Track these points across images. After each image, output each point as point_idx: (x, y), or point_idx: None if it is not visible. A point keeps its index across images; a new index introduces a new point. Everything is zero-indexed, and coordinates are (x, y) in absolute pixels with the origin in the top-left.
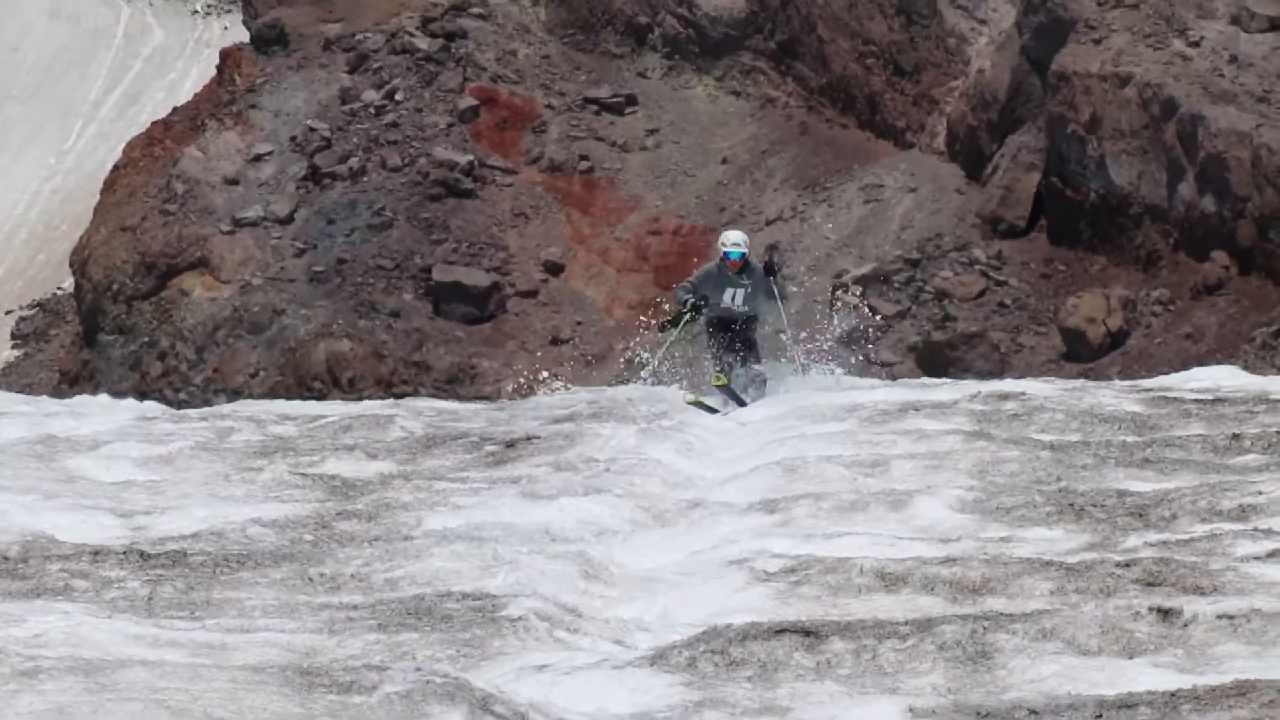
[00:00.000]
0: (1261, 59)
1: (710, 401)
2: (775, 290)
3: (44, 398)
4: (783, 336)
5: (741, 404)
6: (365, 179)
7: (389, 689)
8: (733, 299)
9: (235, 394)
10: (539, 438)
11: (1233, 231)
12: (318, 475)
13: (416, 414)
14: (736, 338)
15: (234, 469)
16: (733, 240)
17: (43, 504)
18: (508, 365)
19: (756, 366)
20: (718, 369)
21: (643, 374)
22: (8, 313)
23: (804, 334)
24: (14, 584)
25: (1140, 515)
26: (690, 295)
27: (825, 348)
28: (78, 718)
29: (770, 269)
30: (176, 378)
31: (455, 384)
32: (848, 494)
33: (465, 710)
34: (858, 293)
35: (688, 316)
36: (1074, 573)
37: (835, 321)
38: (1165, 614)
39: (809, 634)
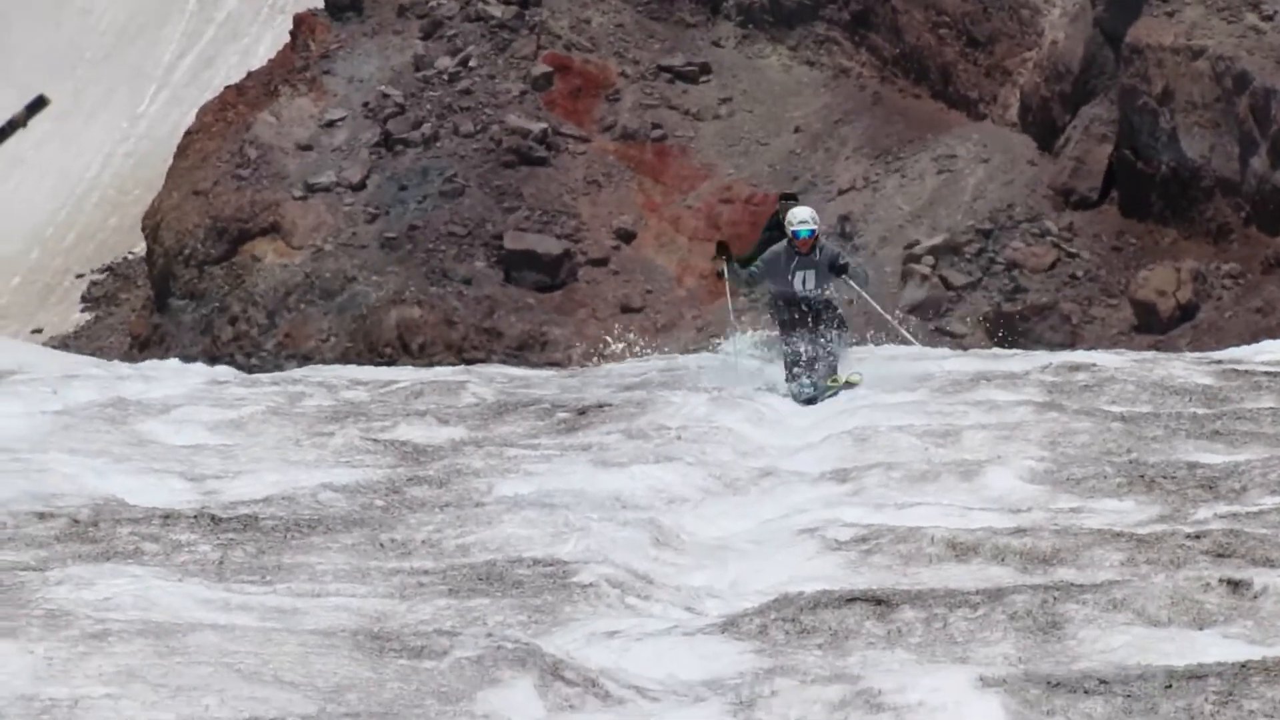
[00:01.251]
0: None
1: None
2: (850, 277)
3: (115, 361)
4: (892, 320)
5: (811, 400)
6: (438, 145)
7: (460, 654)
8: (804, 283)
9: (306, 359)
10: (610, 405)
11: None
12: (389, 441)
13: (488, 380)
14: (811, 323)
15: (305, 434)
16: (800, 218)
17: (113, 467)
18: (578, 333)
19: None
20: (801, 376)
21: (722, 350)
22: (79, 276)
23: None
24: (84, 547)
25: (1210, 487)
26: (754, 273)
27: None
28: (147, 680)
29: (839, 268)
30: (247, 342)
31: (526, 351)
32: (919, 464)
33: (536, 675)
34: (930, 263)
35: (739, 273)
36: (1144, 544)
37: (907, 291)
38: (1235, 585)
39: (880, 603)
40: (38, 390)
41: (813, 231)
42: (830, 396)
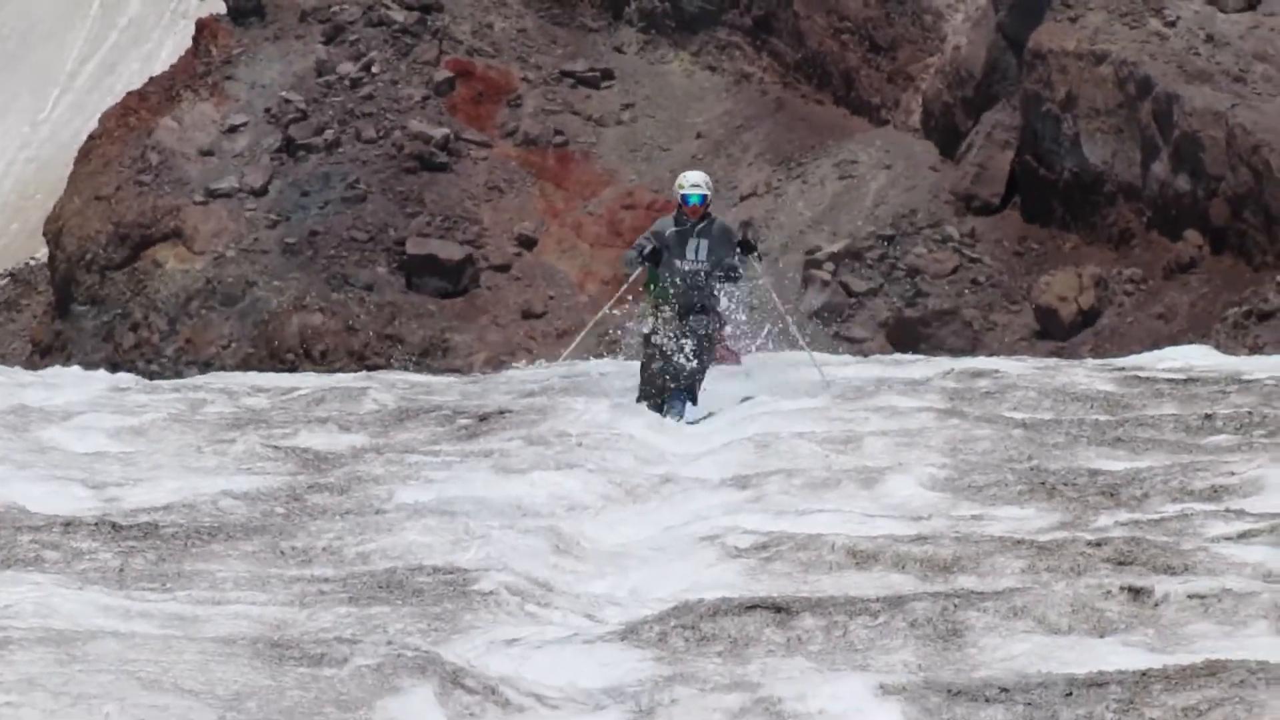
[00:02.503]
0: (1238, 38)
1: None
2: (745, 260)
3: (16, 368)
4: (791, 327)
5: (693, 400)
6: (340, 151)
7: (360, 662)
8: (695, 251)
9: (207, 366)
10: (511, 411)
11: (1206, 211)
12: (290, 448)
13: (389, 387)
14: (695, 304)
15: (206, 441)
16: (692, 181)
17: (14, 474)
18: (480, 339)
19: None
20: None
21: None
22: None
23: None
24: None
25: (1112, 494)
26: (646, 245)
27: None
28: (48, 688)
29: (747, 245)
30: (149, 349)
31: (428, 357)
32: (819, 471)
33: (436, 683)
34: (831, 269)
35: (640, 268)
36: (1045, 551)
37: (808, 297)
38: (1136, 593)
39: (780, 610)
40: None
41: (704, 197)
42: (676, 417)
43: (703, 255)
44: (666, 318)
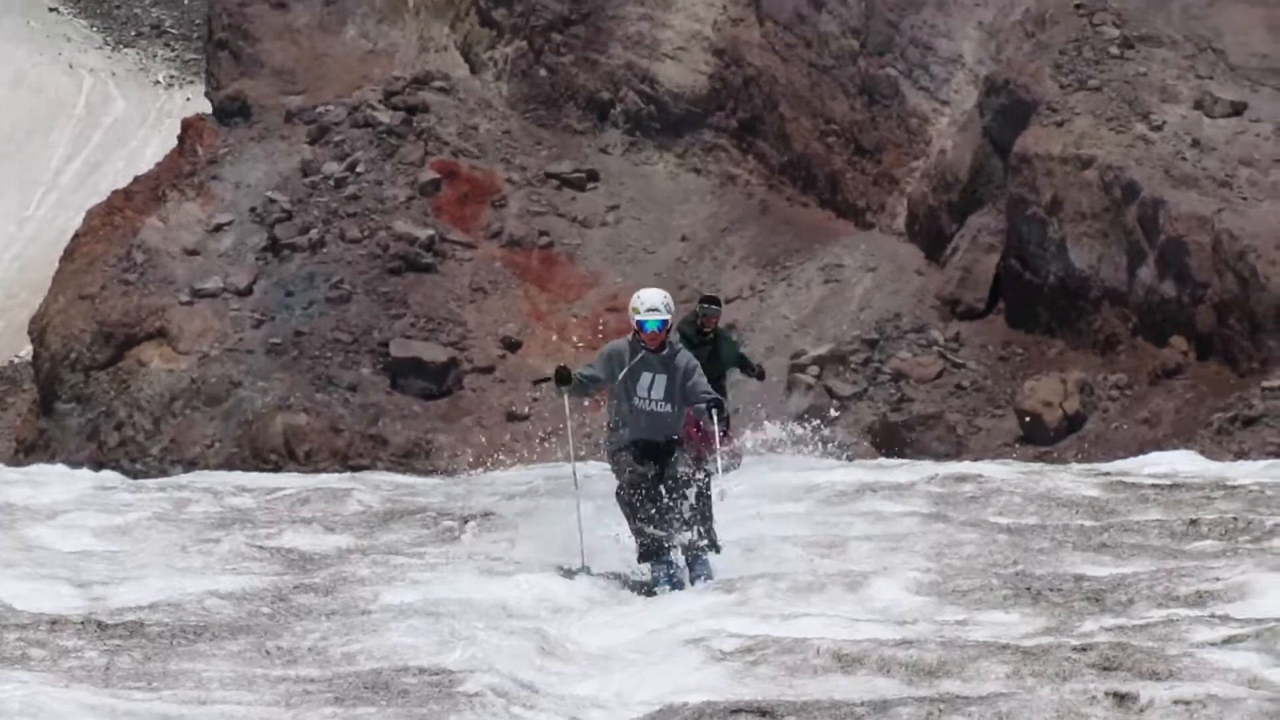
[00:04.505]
0: (1224, 144)
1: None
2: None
3: (1, 466)
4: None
5: (679, 584)
6: (325, 251)
7: None
8: (649, 389)
9: (191, 465)
10: (496, 514)
11: (1192, 317)
12: (275, 548)
13: (374, 488)
14: (660, 460)
15: (191, 540)
16: (649, 304)
17: (0, 573)
18: (464, 441)
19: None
20: (647, 531)
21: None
22: None
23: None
24: None
25: (1097, 600)
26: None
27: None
28: None
29: (690, 393)
30: (133, 448)
31: (412, 459)
32: (805, 574)
33: None
34: (815, 373)
35: (566, 373)
36: (1030, 656)
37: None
38: (1121, 699)
39: (765, 714)
40: None
41: (664, 323)
42: (704, 580)
43: (658, 394)
44: (629, 464)
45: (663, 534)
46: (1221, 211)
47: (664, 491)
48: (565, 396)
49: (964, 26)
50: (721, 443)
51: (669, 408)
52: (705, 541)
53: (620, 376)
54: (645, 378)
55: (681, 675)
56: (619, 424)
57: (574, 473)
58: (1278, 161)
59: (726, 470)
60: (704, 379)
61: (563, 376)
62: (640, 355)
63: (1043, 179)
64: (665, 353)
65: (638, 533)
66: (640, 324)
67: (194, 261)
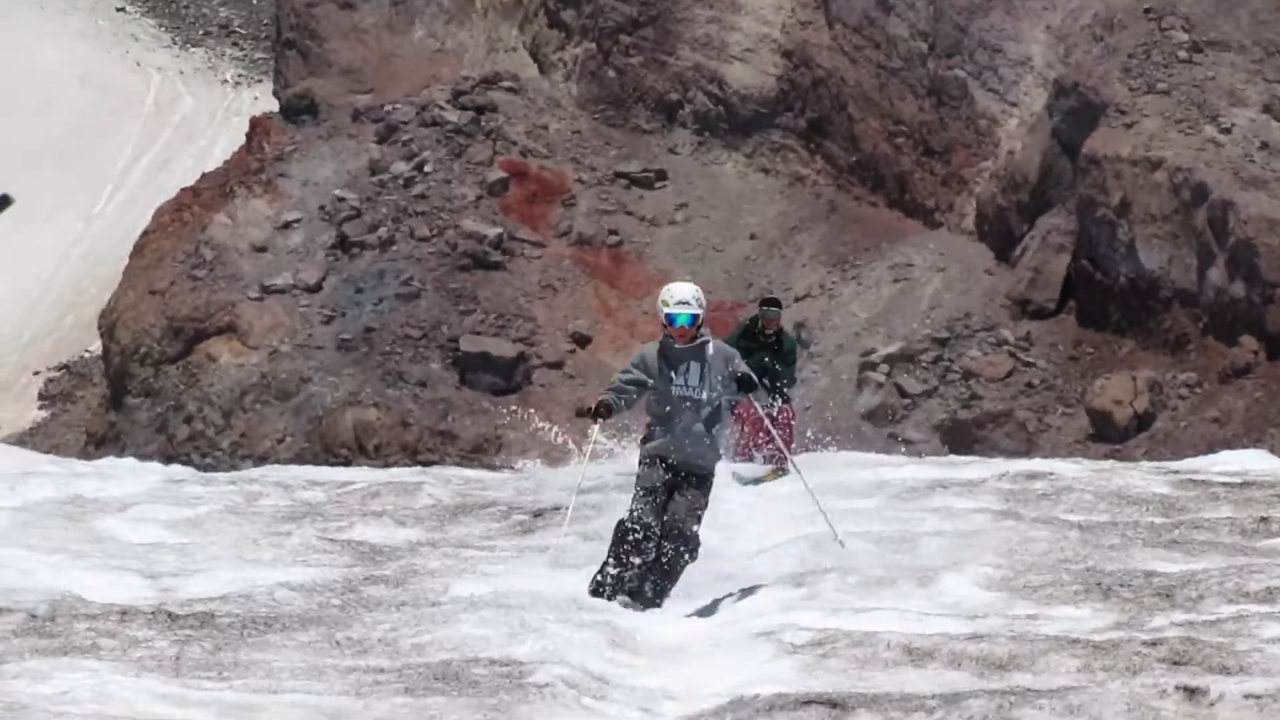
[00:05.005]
0: None
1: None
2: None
3: (71, 459)
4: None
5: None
6: (394, 249)
7: None
8: (685, 377)
9: (261, 460)
10: (566, 508)
11: (1261, 317)
12: (345, 541)
13: (445, 482)
14: (690, 444)
15: (262, 533)
16: (679, 297)
17: (71, 563)
18: (533, 436)
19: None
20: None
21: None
22: (35, 374)
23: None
24: (42, 642)
25: (1167, 596)
26: (617, 390)
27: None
28: None
29: (746, 382)
30: (203, 442)
31: (480, 454)
32: (875, 569)
33: None
34: (885, 371)
35: (607, 408)
36: (1100, 650)
37: (862, 398)
38: (1192, 693)
39: (835, 705)
40: None
41: (694, 318)
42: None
43: (694, 380)
44: (641, 494)
45: (622, 585)
46: None
47: (659, 538)
48: (598, 423)
49: (1032, 30)
50: (778, 424)
51: (704, 394)
52: (651, 596)
53: (657, 374)
54: (680, 368)
55: (752, 667)
56: (654, 422)
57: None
58: None
59: (773, 467)
60: (743, 364)
61: (602, 413)
62: (671, 350)
63: (1112, 180)
64: (697, 344)
65: (607, 566)
66: (669, 318)
67: (262, 258)
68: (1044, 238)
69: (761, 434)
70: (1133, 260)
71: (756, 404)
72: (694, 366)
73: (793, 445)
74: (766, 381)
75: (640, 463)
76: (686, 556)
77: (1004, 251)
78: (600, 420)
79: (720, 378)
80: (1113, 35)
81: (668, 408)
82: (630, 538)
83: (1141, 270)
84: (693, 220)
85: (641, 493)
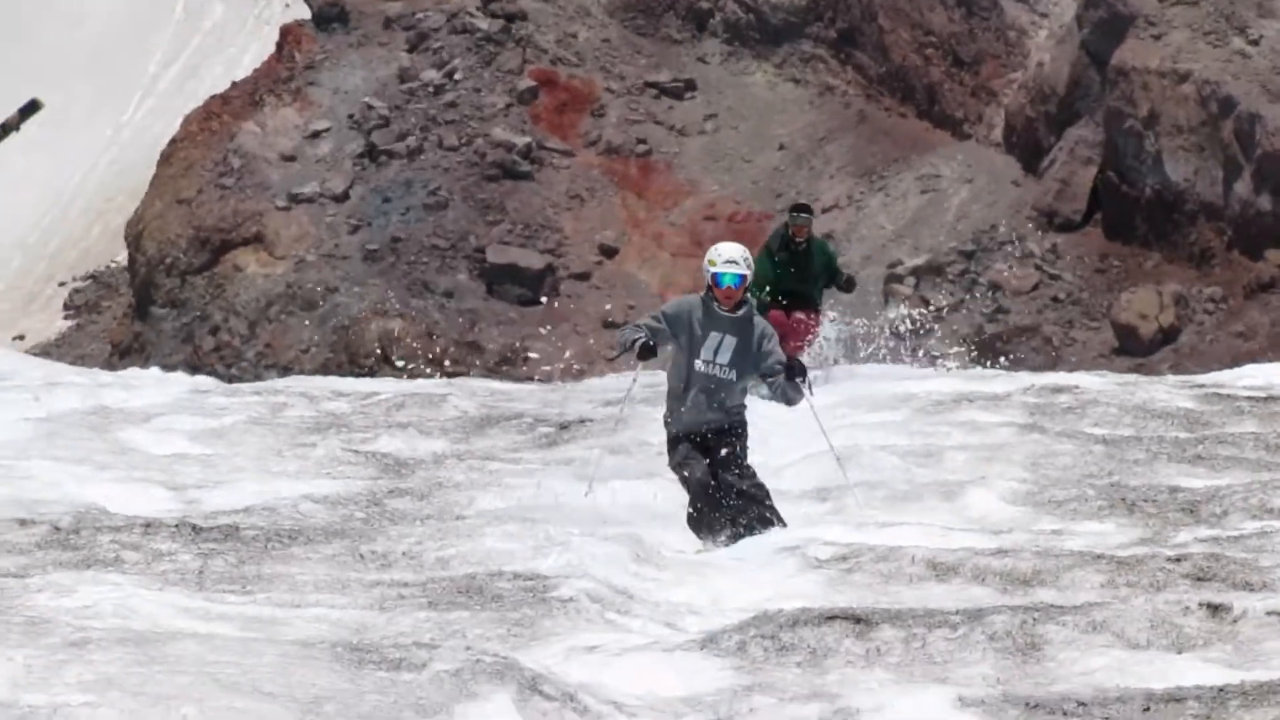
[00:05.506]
0: None
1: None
2: (782, 386)
3: (96, 369)
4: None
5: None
6: (422, 158)
7: (438, 667)
8: (715, 352)
9: (286, 370)
10: (592, 420)
11: None
12: (370, 452)
13: (470, 394)
14: (711, 418)
15: (287, 445)
16: (727, 256)
17: (95, 475)
18: (560, 348)
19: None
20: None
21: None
22: (61, 284)
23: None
24: (65, 554)
25: (1191, 511)
26: (642, 332)
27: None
28: (126, 689)
29: (793, 369)
30: (228, 352)
31: (507, 365)
32: (900, 483)
33: (514, 690)
34: (912, 283)
35: (650, 350)
36: (1124, 566)
37: (888, 311)
38: (1215, 610)
39: (859, 621)
40: (20, 397)
41: (741, 279)
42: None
43: (724, 358)
44: (690, 471)
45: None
46: None
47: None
48: (637, 363)
49: None
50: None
51: (733, 375)
52: (767, 520)
53: (687, 334)
54: (714, 338)
55: (777, 582)
56: (673, 395)
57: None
58: None
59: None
60: (779, 348)
61: (645, 356)
62: (711, 313)
63: (1140, 92)
64: (741, 314)
65: (702, 516)
66: (716, 277)
67: (291, 167)
68: (1071, 149)
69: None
70: (1159, 172)
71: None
72: (729, 341)
73: (804, 351)
74: (800, 298)
75: (668, 441)
76: (755, 480)
77: (1031, 163)
78: (642, 362)
79: (752, 359)
80: None
81: (688, 380)
82: (706, 493)
83: (1168, 183)
84: (721, 130)
85: (680, 469)
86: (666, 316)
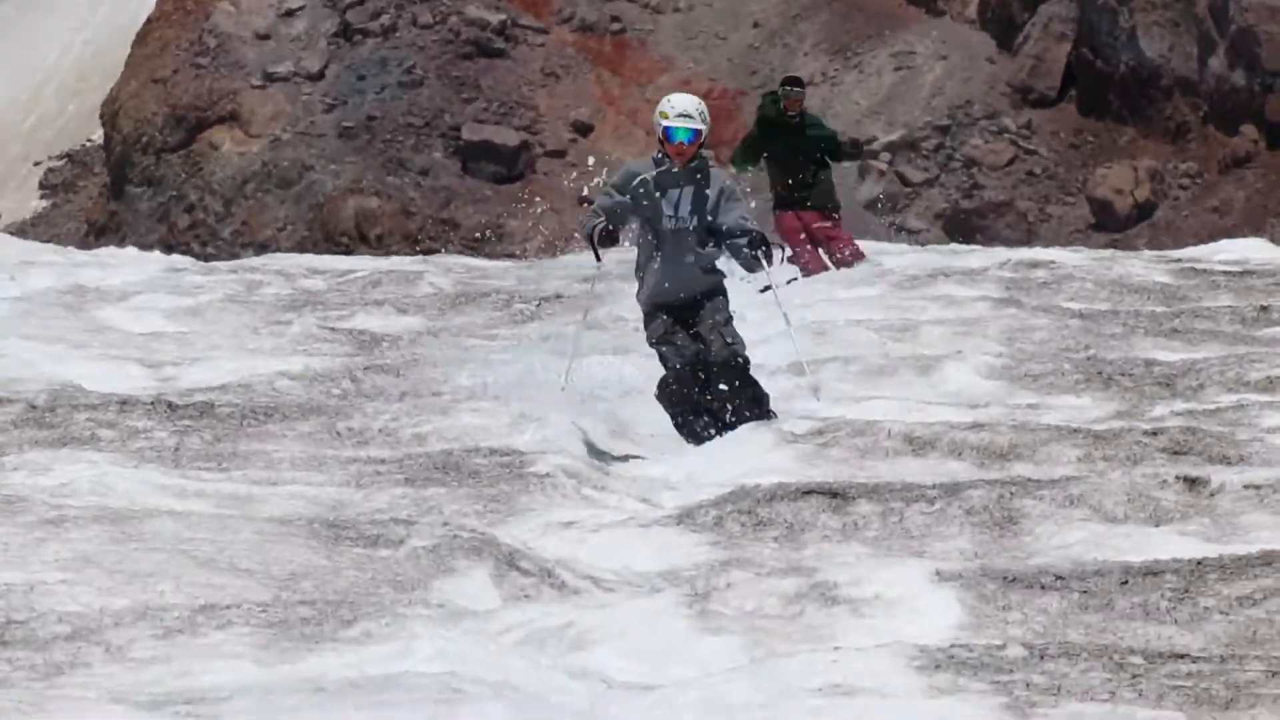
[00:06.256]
0: None
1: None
2: (747, 251)
3: (72, 248)
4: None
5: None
6: (396, 36)
7: (415, 543)
8: (675, 206)
9: (262, 248)
10: (568, 296)
11: (1262, 105)
12: (346, 330)
13: (446, 270)
14: (689, 277)
15: (262, 322)
16: (679, 108)
17: (71, 353)
18: (536, 224)
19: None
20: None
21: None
22: (36, 163)
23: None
24: (41, 433)
25: (1168, 385)
26: (600, 217)
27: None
28: (103, 566)
29: (756, 240)
30: (204, 231)
31: (483, 242)
32: (876, 358)
33: (491, 565)
34: (887, 159)
35: (611, 236)
36: (1101, 440)
37: (864, 188)
38: (1192, 483)
39: (836, 495)
40: None
41: (696, 134)
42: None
43: (684, 210)
44: (672, 352)
45: (709, 433)
46: None
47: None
48: (600, 261)
49: None
50: (838, 242)
51: (694, 223)
52: (758, 407)
53: (646, 200)
54: (671, 194)
55: (753, 457)
56: (643, 259)
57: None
58: None
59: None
60: (747, 210)
61: (606, 242)
62: (665, 171)
63: None
64: (694, 165)
65: (681, 427)
66: (667, 131)
67: (265, 46)
68: (1045, 25)
69: (817, 243)
70: (1133, 48)
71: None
72: (687, 193)
73: (848, 259)
74: (800, 182)
75: (644, 317)
76: (745, 364)
77: (1006, 40)
78: (604, 249)
79: (711, 209)
80: None
81: (656, 242)
82: (680, 392)
83: (1142, 58)
84: (696, 8)
85: (667, 352)
86: (618, 188)
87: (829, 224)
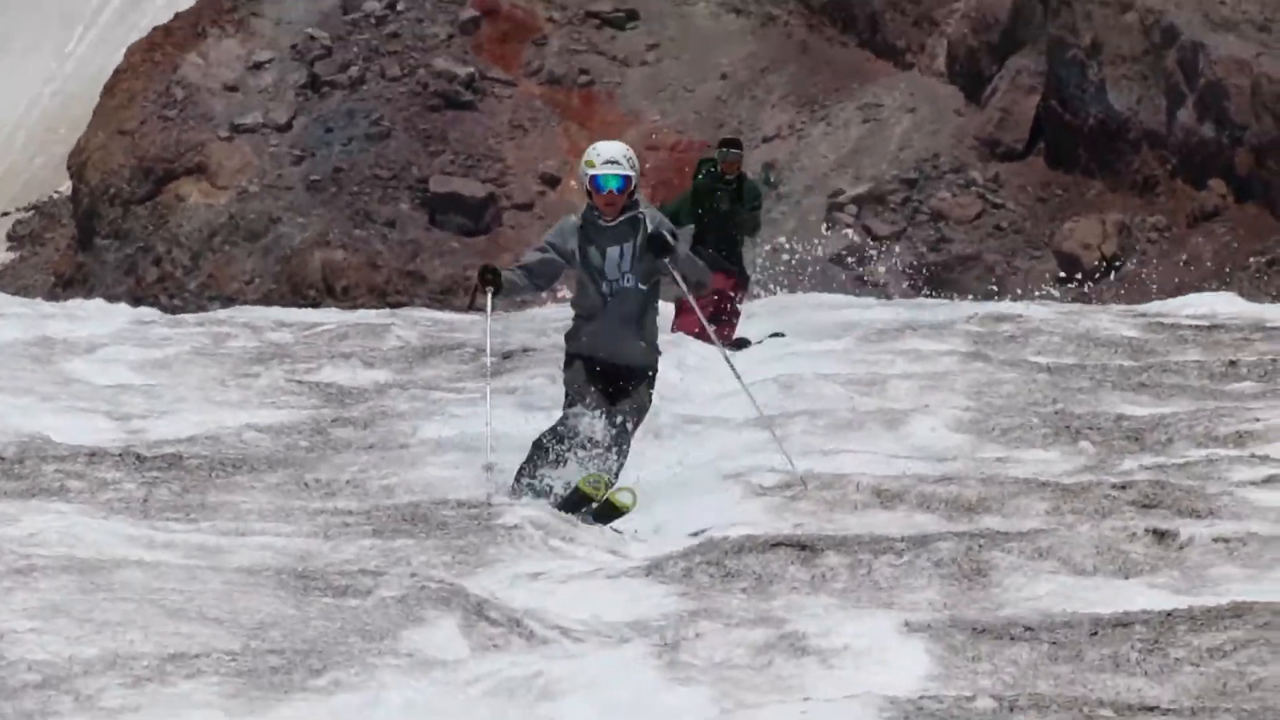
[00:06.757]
0: None
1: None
2: (674, 263)
3: (39, 300)
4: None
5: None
6: (364, 88)
7: (384, 593)
8: (617, 264)
9: (230, 301)
10: (535, 349)
11: (1230, 159)
12: (314, 383)
13: (413, 324)
14: (624, 337)
15: (230, 374)
16: (606, 156)
17: (39, 405)
18: None
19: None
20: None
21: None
22: (4, 214)
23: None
24: (10, 484)
25: (1136, 439)
26: (525, 268)
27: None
28: (72, 615)
29: (664, 246)
30: (171, 284)
31: (450, 295)
32: (844, 412)
33: (460, 615)
34: (853, 212)
35: (495, 279)
36: (1070, 493)
37: (831, 241)
38: (1161, 535)
39: (804, 548)
40: None
41: (625, 181)
42: (589, 518)
43: (626, 265)
44: (579, 370)
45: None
46: (1260, 55)
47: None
48: (487, 296)
49: None
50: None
51: (635, 282)
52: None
53: (580, 258)
54: (612, 253)
55: (721, 509)
56: (578, 314)
57: (487, 365)
58: None
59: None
60: (667, 222)
61: (490, 281)
62: (597, 227)
63: (1082, 21)
64: (626, 216)
65: (522, 476)
66: (595, 180)
67: (233, 98)
68: (1013, 78)
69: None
70: (1102, 101)
71: (683, 280)
72: (626, 250)
73: (735, 323)
74: (726, 242)
75: (565, 365)
76: (616, 456)
77: (974, 92)
78: (489, 293)
79: (651, 256)
80: None
81: (593, 300)
82: (547, 447)
83: (1111, 111)
84: (664, 61)
85: (568, 390)
86: (554, 246)
87: (726, 278)
